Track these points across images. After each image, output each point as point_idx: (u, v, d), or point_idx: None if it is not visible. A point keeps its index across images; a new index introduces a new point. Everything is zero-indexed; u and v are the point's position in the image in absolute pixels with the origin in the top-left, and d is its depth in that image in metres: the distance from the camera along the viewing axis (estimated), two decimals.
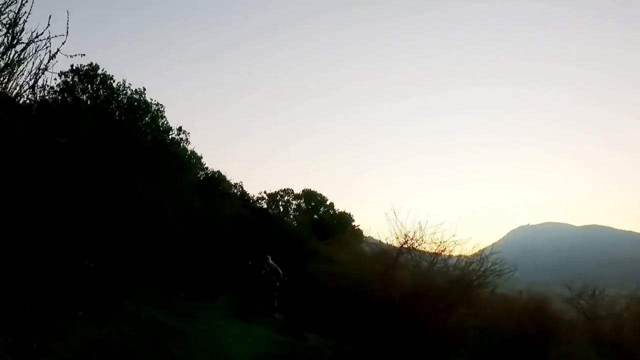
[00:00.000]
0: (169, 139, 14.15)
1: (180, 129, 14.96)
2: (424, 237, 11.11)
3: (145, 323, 7.90)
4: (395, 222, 11.38)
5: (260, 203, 24.76)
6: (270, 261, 11.35)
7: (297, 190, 26.16)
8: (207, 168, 20.15)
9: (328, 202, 26.37)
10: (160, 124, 13.88)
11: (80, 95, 12.59)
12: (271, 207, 24.97)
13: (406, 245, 11.15)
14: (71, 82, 12.12)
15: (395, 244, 11.58)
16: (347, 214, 26.76)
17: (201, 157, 19.59)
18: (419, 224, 11.21)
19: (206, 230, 14.62)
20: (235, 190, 23.62)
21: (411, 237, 11.16)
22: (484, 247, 12.84)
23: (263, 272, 11.12)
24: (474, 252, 12.33)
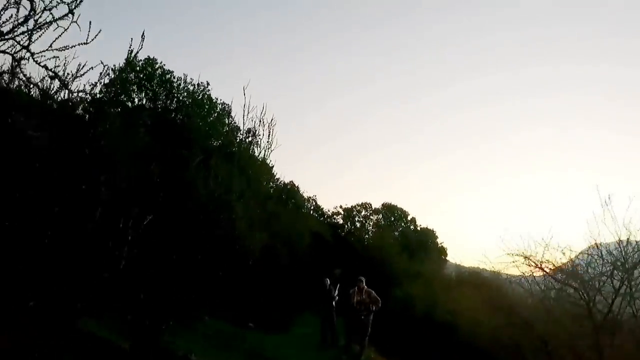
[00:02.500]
0: (236, 141, 12.11)
1: (249, 130, 12.89)
2: None
3: None
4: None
5: (335, 219, 22.15)
6: (364, 285, 8.48)
7: (375, 204, 23.18)
8: (278, 179, 18.00)
9: (409, 217, 23.08)
10: (227, 123, 11.93)
11: (137, 94, 10.96)
12: (347, 223, 22.23)
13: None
14: (126, 78, 10.50)
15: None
16: (430, 230, 23.28)
17: (272, 167, 17.52)
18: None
19: (279, 249, 12.33)
20: (308, 205, 21.35)
21: None
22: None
23: (355, 300, 8.30)
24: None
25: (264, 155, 12.69)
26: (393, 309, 11.30)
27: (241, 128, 12.28)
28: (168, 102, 11.14)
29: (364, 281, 8.50)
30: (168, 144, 8.75)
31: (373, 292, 8.36)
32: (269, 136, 12.67)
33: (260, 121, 12.41)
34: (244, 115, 11.25)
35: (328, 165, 54.81)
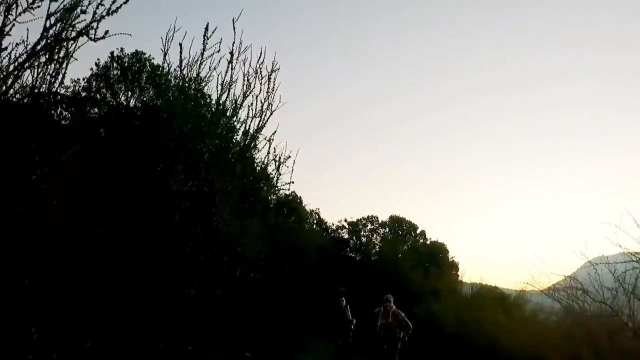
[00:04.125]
0: (232, 143, 10.48)
1: (246, 132, 11.22)
2: None
3: None
4: None
5: (340, 233, 20.43)
6: (392, 305, 6.70)
7: (382, 217, 21.46)
8: (279, 190, 16.35)
9: (419, 231, 21.35)
10: (222, 123, 10.35)
11: (124, 92, 9.44)
12: (352, 238, 20.49)
13: None
14: (111, 75, 9.03)
15: None
16: (441, 243, 21.50)
17: (273, 177, 15.89)
18: None
19: (282, 264, 10.66)
20: (310, 219, 19.63)
21: None
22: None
23: (379, 323, 6.54)
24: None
25: (261, 119, 8.78)
26: (416, 330, 9.54)
27: (230, 75, 8.53)
28: (159, 101, 9.61)
29: (392, 300, 6.72)
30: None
31: (402, 314, 6.60)
32: (268, 89, 7.87)
33: (255, 72, 7.81)
34: (231, 60, 7.80)
35: (331, 177, 52.87)
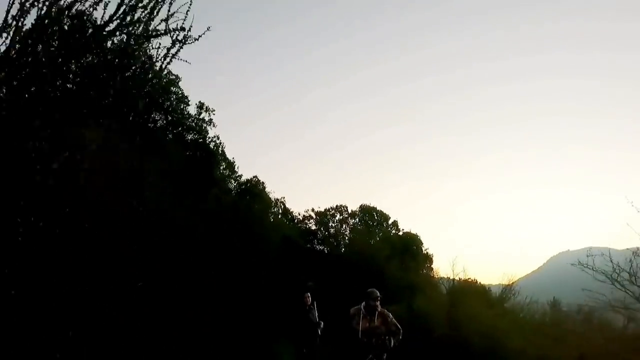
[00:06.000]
0: (184, 114, 8.70)
1: (202, 105, 9.49)
2: None
3: None
4: None
5: (307, 223, 18.85)
6: (378, 304, 5.03)
7: (352, 207, 20.05)
8: (240, 177, 14.62)
9: (391, 221, 20.14)
10: (174, 92, 8.58)
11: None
12: (320, 228, 18.97)
13: None
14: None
15: None
16: (414, 234, 20.35)
17: (234, 162, 14.13)
18: None
19: (239, 259, 8.98)
20: (275, 209, 17.91)
21: None
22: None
23: (361, 327, 4.92)
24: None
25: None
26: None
27: None
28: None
29: (379, 297, 5.08)
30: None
31: (391, 315, 5.01)
32: None
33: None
34: None
35: (297, 166, 51.05)
